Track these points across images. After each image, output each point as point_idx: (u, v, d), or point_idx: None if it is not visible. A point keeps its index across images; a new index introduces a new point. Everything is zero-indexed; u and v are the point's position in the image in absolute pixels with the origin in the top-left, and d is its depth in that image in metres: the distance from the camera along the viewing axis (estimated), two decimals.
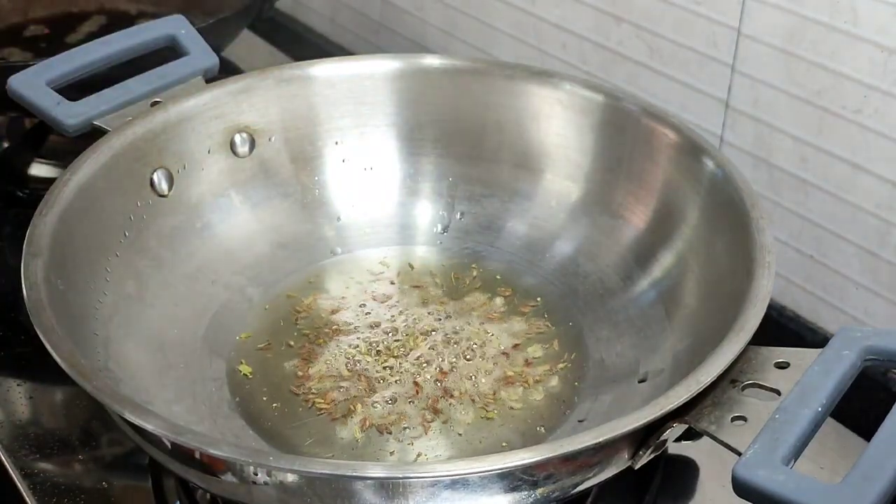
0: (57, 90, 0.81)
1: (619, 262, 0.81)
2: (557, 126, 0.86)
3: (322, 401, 0.73)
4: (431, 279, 0.85)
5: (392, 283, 0.85)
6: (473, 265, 0.87)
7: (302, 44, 1.27)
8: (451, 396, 0.73)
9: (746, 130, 0.84)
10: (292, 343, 0.79)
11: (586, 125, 0.85)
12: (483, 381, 0.75)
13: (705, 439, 0.57)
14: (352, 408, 0.72)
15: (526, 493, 0.56)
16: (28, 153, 1.06)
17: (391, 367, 0.76)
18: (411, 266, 0.87)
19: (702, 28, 0.84)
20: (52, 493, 0.71)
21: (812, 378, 0.56)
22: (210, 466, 0.56)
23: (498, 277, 0.85)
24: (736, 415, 0.56)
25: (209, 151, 0.84)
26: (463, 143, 0.89)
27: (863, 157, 0.76)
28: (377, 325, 0.80)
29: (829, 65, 0.76)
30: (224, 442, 0.56)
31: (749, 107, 0.83)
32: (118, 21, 1.15)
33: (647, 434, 0.58)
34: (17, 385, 0.80)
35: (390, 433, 0.70)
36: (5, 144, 1.08)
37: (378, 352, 0.77)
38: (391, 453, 0.69)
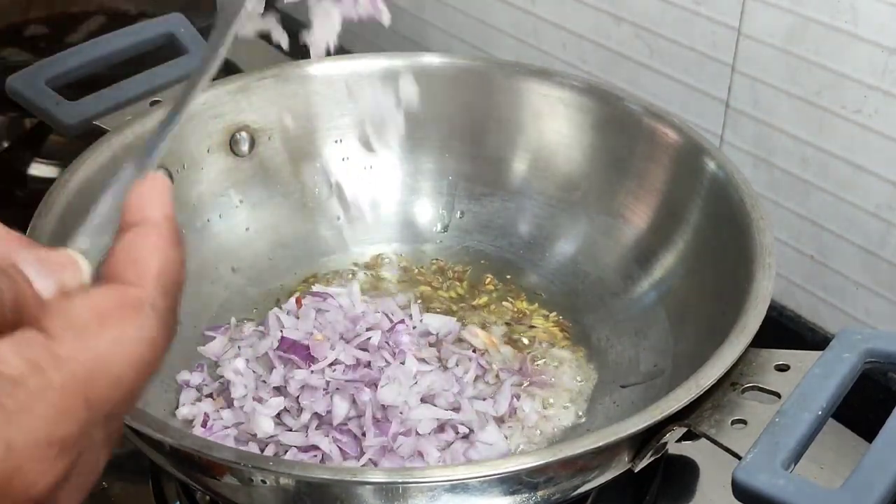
0: (56, 90, 0.81)
1: (620, 262, 0.81)
2: (558, 125, 0.86)
3: None
4: (431, 278, 0.85)
5: (392, 282, 0.85)
6: (473, 264, 0.87)
7: (302, 43, 1.26)
8: None
9: (747, 130, 0.84)
10: None
11: (587, 124, 0.84)
12: None
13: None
14: None
15: (526, 495, 0.56)
16: (28, 153, 1.05)
17: None
18: (412, 265, 0.87)
19: (702, 28, 0.84)
20: None
21: (812, 381, 0.56)
22: (210, 470, 0.56)
23: (498, 277, 0.85)
24: (736, 418, 0.56)
25: (209, 151, 0.84)
26: (463, 141, 0.89)
27: (863, 157, 0.76)
28: None
29: (829, 65, 0.76)
30: (224, 446, 0.56)
31: (749, 107, 0.83)
32: (118, 21, 1.14)
33: (648, 437, 0.58)
34: None
35: None
36: (5, 144, 1.08)
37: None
38: None
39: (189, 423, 0.70)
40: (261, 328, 0.76)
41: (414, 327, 0.75)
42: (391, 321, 0.75)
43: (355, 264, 0.87)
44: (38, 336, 0.31)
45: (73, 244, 0.37)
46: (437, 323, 0.77)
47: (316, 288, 0.80)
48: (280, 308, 0.78)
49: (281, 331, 0.72)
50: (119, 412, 0.34)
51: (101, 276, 0.36)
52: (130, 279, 0.35)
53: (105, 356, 0.32)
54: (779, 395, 0.57)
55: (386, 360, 0.70)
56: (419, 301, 0.82)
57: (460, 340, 0.77)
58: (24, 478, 0.30)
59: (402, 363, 0.70)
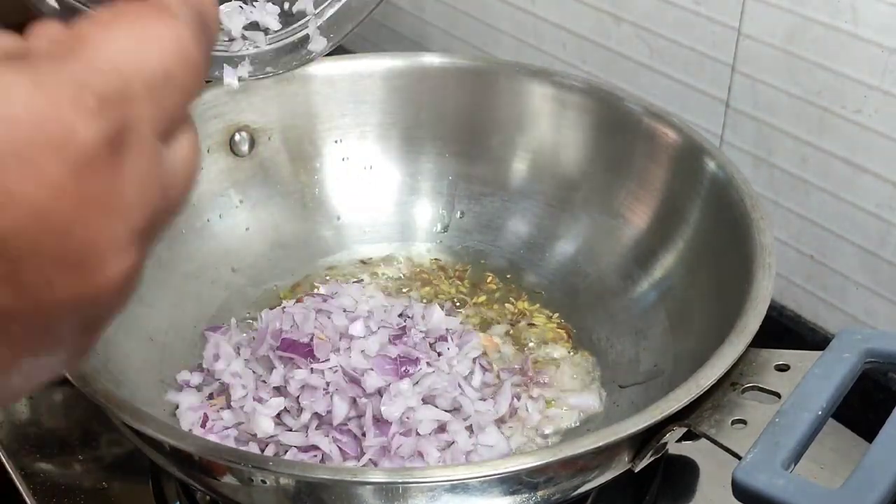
0: None
1: (620, 263, 0.81)
2: (558, 125, 0.86)
3: None
4: (432, 278, 0.85)
5: (391, 282, 0.85)
6: (473, 264, 0.87)
7: None
8: None
9: (746, 130, 0.84)
10: None
11: (587, 124, 0.84)
12: None
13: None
14: None
15: (526, 495, 0.56)
16: None
17: None
18: (412, 265, 0.87)
19: (702, 28, 0.84)
20: (52, 493, 0.71)
21: (812, 381, 0.56)
22: (210, 470, 0.56)
23: (498, 277, 0.85)
24: (736, 418, 0.56)
25: (208, 151, 0.84)
26: (463, 141, 0.89)
27: (863, 157, 0.76)
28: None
29: (829, 65, 0.76)
30: (224, 446, 0.56)
31: (749, 107, 0.83)
32: None
33: (648, 437, 0.58)
34: None
35: None
36: None
37: None
38: None
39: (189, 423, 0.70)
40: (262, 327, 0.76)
41: (420, 331, 0.75)
42: (401, 320, 0.75)
43: (355, 264, 0.87)
44: (59, 27, 0.33)
45: None
46: (440, 323, 0.77)
47: (324, 289, 0.80)
48: (281, 308, 0.78)
49: (281, 331, 0.72)
50: (166, 99, 0.33)
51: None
52: None
53: (128, 35, 0.32)
54: (779, 395, 0.57)
55: (395, 368, 0.70)
56: (421, 301, 0.82)
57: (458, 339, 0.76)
58: (67, 125, 0.29)
59: (409, 375, 0.69)
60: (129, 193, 0.31)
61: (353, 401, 0.67)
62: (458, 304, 0.82)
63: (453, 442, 0.67)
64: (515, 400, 0.72)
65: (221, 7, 0.74)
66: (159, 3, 0.34)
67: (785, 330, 0.85)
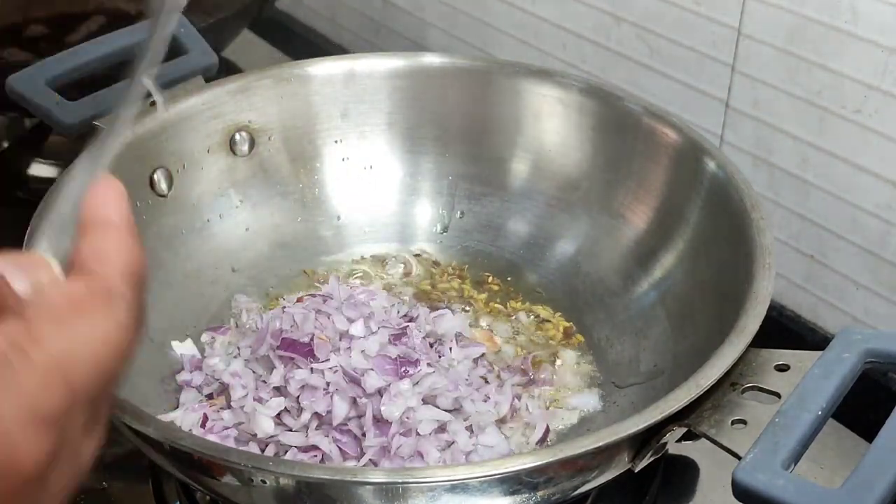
0: (56, 90, 0.81)
1: (620, 263, 0.81)
2: (558, 125, 0.86)
3: None
4: (432, 279, 0.85)
5: (391, 282, 0.85)
6: (473, 264, 0.87)
7: (302, 44, 1.26)
8: None
9: (746, 130, 0.84)
10: None
11: (587, 124, 0.84)
12: None
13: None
14: None
15: (526, 495, 0.56)
16: (28, 153, 1.05)
17: None
18: (411, 265, 0.87)
19: (702, 28, 0.84)
20: None
21: (812, 381, 0.56)
22: (210, 470, 0.56)
23: (498, 277, 0.85)
24: (736, 418, 0.56)
25: (209, 151, 0.83)
26: (463, 141, 0.89)
27: (863, 157, 0.76)
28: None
29: (829, 65, 0.76)
30: (224, 446, 0.56)
31: (749, 107, 0.83)
32: (118, 21, 1.14)
33: (648, 437, 0.58)
34: None
35: None
36: (5, 144, 1.08)
37: None
38: None
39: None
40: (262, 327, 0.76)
41: (420, 331, 0.75)
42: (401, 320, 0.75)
43: (355, 264, 0.87)
44: (18, 323, 0.34)
45: (37, 246, 0.39)
46: (440, 323, 0.77)
47: (324, 289, 0.80)
48: (281, 308, 0.78)
49: (281, 331, 0.72)
50: (99, 396, 0.36)
51: (69, 272, 0.38)
52: (98, 271, 0.37)
53: (80, 338, 0.35)
54: (779, 395, 0.57)
55: (395, 368, 0.70)
56: (420, 301, 0.82)
57: (461, 341, 0.76)
58: (14, 452, 0.32)
59: (409, 376, 0.69)
60: (50, 496, 0.34)
61: (353, 401, 0.67)
62: (457, 304, 0.82)
63: (453, 442, 0.67)
64: (516, 400, 0.72)
65: None
66: (106, 290, 0.37)
67: (785, 330, 0.85)
